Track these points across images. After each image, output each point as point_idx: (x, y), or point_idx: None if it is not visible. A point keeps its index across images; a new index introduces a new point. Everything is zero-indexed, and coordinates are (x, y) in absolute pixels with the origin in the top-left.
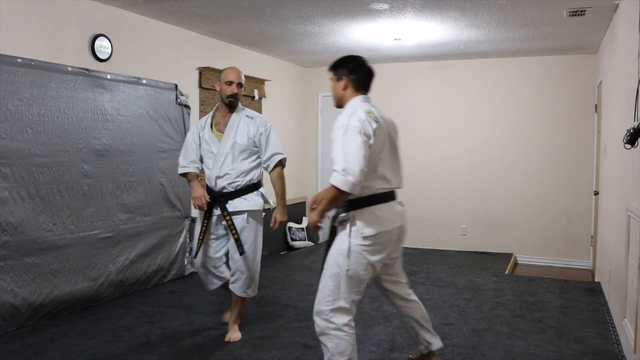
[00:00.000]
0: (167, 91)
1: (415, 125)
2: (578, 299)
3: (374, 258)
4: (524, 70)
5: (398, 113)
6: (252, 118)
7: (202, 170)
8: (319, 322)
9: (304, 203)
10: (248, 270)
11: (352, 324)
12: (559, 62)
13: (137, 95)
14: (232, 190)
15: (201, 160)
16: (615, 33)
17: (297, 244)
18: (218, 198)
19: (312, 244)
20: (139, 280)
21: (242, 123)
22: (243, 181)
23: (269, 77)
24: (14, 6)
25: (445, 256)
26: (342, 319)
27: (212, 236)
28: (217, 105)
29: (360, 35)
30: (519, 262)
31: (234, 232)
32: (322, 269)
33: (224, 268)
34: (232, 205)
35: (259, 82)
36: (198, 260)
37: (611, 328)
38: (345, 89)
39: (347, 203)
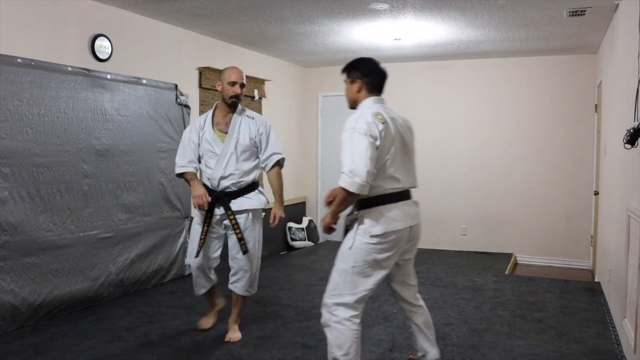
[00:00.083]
0: (167, 91)
1: (415, 125)
2: (578, 299)
3: (381, 256)
4: (524, 70)
5: None
6: (253, 118)
7: (199, 170)
8: (324, 314)
9: (303, 203)
10: (251, 269)
11: (356, 320)
12: (559, 62)
13: (137, 95)
14: (235, 189)
15: (198, 159)
16: (615, 33)
17: (297, 244)
18: (221, 197)
19: (312, 244)
20: (139, 280)
21: (244, 123)
22: (246, 181)
23: (269, 77)
24: (14, 6)
25: (445, 256)
26: (345, 313)
27: (213, 235)
28: (215, 104)
29: (360, 35)
30: (519, 262)
31: (238, 231)
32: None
33: (213, 272)
34: (236, 204)
35: (259, 82)
36: (197, 260)
37: (611, 328)
38: (359, 91)
39: (357, 202)
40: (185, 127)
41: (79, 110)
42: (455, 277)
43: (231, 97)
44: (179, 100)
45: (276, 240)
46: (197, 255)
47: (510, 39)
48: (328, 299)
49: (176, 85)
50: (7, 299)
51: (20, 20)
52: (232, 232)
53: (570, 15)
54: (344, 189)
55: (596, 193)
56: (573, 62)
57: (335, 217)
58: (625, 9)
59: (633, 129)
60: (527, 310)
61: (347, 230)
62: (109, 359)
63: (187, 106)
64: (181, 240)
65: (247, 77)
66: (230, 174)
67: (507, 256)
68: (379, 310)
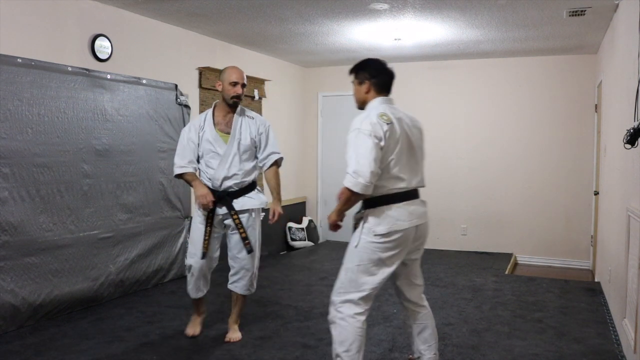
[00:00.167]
0: (167, 91)
1: None
2: (578, 299)
3: (385, 255)
4: (524, 70)
5: None
6: (253, 118)
7: (198, 170)
8: (330, 311)
9: (303, 203)
10: (252, 267)
11: (361, 317)
12: (559, 62)
13: (137, 95)
14: (237, 189)
15: (197, 159)
16: (615, 33)
17: (297, 244)
18: (223, 197)
19: (312, 244)
20: (139, 280)
21: (244, 123)
22: (247, 180)
23: (269, 77)
24: (14, 6)
25: (445, 256)
26: (350, 310)
27: (214, 235)
28: (214, 103)
29: (360, 35)
30: (519, 262)
31: (242, 230)
32: None
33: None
34: (238, 203)
35: (259, 82)
36: (200, 261)
37: (611, 328)
38: (367, 92)
39: (363, 202)
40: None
41: (79, 110)
42: (455, 277)
43: (232, 98)
44: (179, 100)
45: (276, 240)
46: (203, 257)
47: (510, 39)
48: (335, 296)
49: (176, 85)
50: (7, 299)
51: (20, 20)
52: (234, 231)
53: (570, 15)
54: (348, 189)
55: (596, 193)
56: (573, 62)
57: (340, 215)
58: (625, 9)
59: (633, 129)
60: (527, 310)
61: (354, 228)
62: (109, 359)
63: (187, 106)
64: (181, 240)
65: (247, 77)
66: (234, 174)
67: (507, 256)
68: (379, 310)
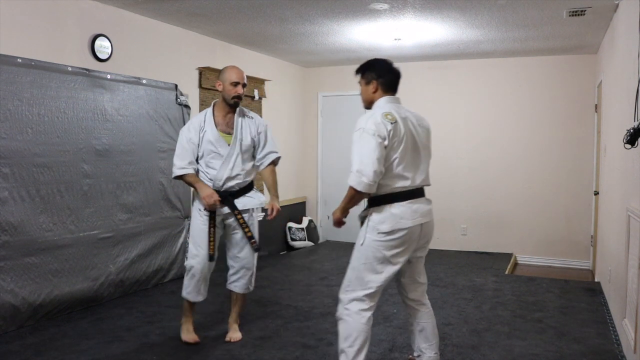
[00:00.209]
0: (167, 91)
1: None
2: (578, 299)
3: (390, 253)
4: (524, 70)
5: None
6: (252, 118)
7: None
8: (338, 308)
9: (303, 203)
10: (253, 266)
11: (366, 314)
12: (559, 62)
13: (137, 95)
14: (238, 189)
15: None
16: (615, 33)
17: (297, 244)
18: (226, 197)
19: (312, 244)
20: (139, 280)
21: (245, 123)
22: (248, 180)
23: (269, 77)
24: (14, 6)
25: (445, 256)
26: (355, 306)
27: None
28: (213, 103)
29: (360, 35)
30: (519, 262)
31: (247, 230)
32: None
33: None
34: (240, 203)
35: (259, 82)
36: (203, 263)
37: (611, 328)
38: (375, 91)
39: (368, 200)
40: None
41: (79, 110)
42: (455, 277)
43: (233, 98)
44: (179, 100)
45: (276, 240)
46: (212, 259)
47: (510, 39)
48: (342, 294)
49: (176, 85)
50: (7, 299)
51: (20, 20)
52: (234, 231)
53: (570, 15)
54: (352, 188)
55: (596, 193)
56: (573, 62)
57: (344, 212)
58: (625, 9)
59: (633, 129)
60: (527, 310)
61: (361, 226)
62: (109, 359)
63: (187, 106)
64: (181, 240)
65: (247, 77)
66: (237, 174)
67: (507, 256)
68: (379, 310)
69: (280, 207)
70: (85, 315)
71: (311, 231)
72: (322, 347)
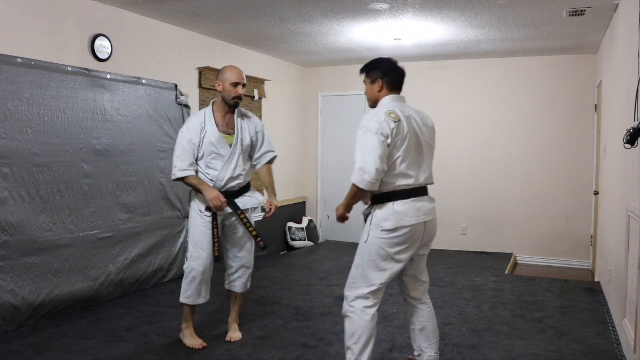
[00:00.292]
0: (167, 91)
1: None
2: (578, 299)
3: (393, 250)
4: (524, 70)
5: None
6: (250, 118)
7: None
8: (344, 305)
9: (303, 203)
10: (252, 265)
11: (370, 311)
12: (559, 62)
13: (137, 95)
14: (238, 189)
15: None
16: (615, 33)
17: (297, 244)
18: (228, 198)
19: (312, 244)
20: (139, 280)
21: (244, 124)
22: (247, 180)
23: (269, 77)
24: (14, 6)
25: (445, 256)
26: (360, 304)
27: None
28: (212, 103)
29: (360, 35)
30: (519, 262)
31: (252, 229)
32: None
33: None
34: (241, 203)
35: (259, 82)
36: (206, 264)
37: (611, 328)
38: (380, 90)
39: (372, 198)
40: None
41: (79, 110)
42: (455, 277)
43: (234, 99)
44: (179, 100)
45: (276, 240)
46: (218, 260)
47: (510, 39)
48: (347, 291)
49: (176, 85)
50: (7, 299)
51: (20, 20)
52: (233, 231)
53: (570, 15)
54: (354, 185)
55: (596, 193)
56: (573, 62)
57: (347, 209)
58: (625, 9)
59: (633, 129)
60: (527, 310)
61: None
62: (109, 359)
63: (187, 106)
64: (181, 240)
65: (247, 77)
66: (239, 175)
67: (507, 256)
68: (379, 310)
69: (281, 207)
70: (85, 315)
71: (311, 231)
72: (322, 347)
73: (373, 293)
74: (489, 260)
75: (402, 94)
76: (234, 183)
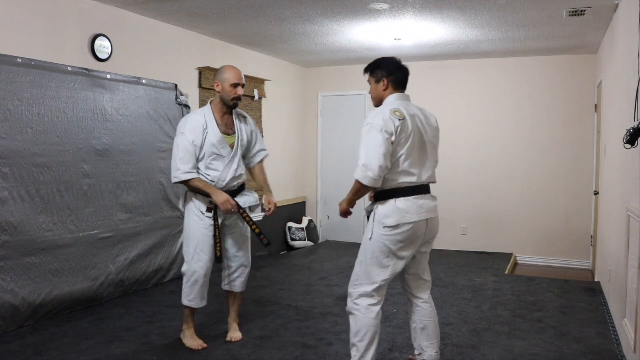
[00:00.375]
0: (167, 91)
1: None
2: (578, 299)
3: (395, 247)
4: (524, 70)
5: None
6: (245, 117)
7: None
8: (348, 302)
9: (303, 203)
10: (250, 264)
11: (375, 308)
12: (559, 62)
13: (137, 95)
14: (236, 188)
15: None
16: (615, 33)
17: (297, 244)
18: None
19: (312, 244)
20: (139, 280)
21: (241, 123)
22: (245, 179)
23: (269, 77)
24: (14, 6)
25: (445, 256)
26: (365, 302)
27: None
28: (209, 102)
29: (360, 35)
30: (519, 262)
31: (255, 227)
32: None
33: None
34: (241, 202)
35: (259, 82)
36: (207, 267)
37: (611, 328)
38: (385, 89)
39: (375, 195)
40: None
41: (79, 110)
42: (455, 277)
43: (233, 100)
44: (179, 100)
45: (276, 240)
46: (220, 261)
47: (510, 39)
48: (351, 288)
49: (176, 85)
50: (7, 299)
51: (20, 20)
52: (232, 231)
53: (570, 15)
54: (357, 181)
55: (596, 193)
56: (573, 62)
57: (350, 204)
58: (625, 9)
59: (633, 129)
60: (527, 310)
61: (368, 220)
62: (109, 359)
63: (187, 106)
64: (181, 240)
65: (247, 77)
66: (240, 174)
67: (507, 256)
68: None
69: (281, 207)
70: (85, 315)
71: (311, 231)
72: (322, 347)
73: (377, 290)
74: (489, 260)
75: None
76: (235, 183)
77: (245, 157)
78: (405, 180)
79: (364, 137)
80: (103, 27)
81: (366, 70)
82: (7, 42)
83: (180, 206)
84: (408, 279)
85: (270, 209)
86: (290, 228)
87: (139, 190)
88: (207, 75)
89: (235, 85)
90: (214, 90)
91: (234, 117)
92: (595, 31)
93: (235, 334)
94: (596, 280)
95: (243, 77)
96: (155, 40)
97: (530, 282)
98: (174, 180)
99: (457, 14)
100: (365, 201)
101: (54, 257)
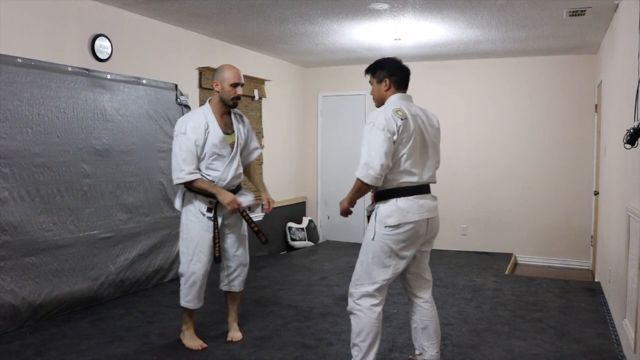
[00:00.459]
0: (167, 91)
1: None
2: (578, 299)
3: (397, 246)
4: (524, 70)
5: None
6: (241, 116)
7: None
8: (349, 302)
9: (303, 203)
10: (248, 262)
11: (377, 308)
12: (559, 62)
13: (137, 95)
14: (235, 187)
15: None
16: (615, 33)
17: (297, 244)
18: None
19: (312, 244)
20: (139, 280)
21: (239, 123)
22: (242, 178)
23: (269, 77)
24: (14, 6)
25: (445, 256)
26: (367, 302)
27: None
28: (208, 102)
29: (360, 35)
30: (519, 262)
31: (253, 225)
32: None
33: None
34: (241, 201)
35: (259, 82)
36: (205, 268)
37: (611, 328)
38: (387, 89)
39: (375, 194)
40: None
41: (79, 110)
42: (455, 277)
43: (233, 99)
44: (179, 100)
45: (276, 240)
46: (219, 261)
47: (510, 39)
48: (352, 288)
49: (176, 85)
50: (7, 299)
51: (20, 20)
52: (230, 231)
53: (570, 15)
54: (359, 179)
55: (596, 193)
56: (573, 62)
57: (351, 203)
58: (625, 9)
59: (633, 129)
60: (527, 310)
61: (368, 220)
62: (109, 359)
63: (187, 106)
64: None
65: (247, 77)
66: (240, 173)
67: (507, 256)
68: None
69: (281, 207)
70: (85, 315)
71: (311, 231)
72: (322, 347)
73: (378, 290)
74: (489, 260)
75: None
76: (235, 182)
77: (240, 155)
78: (407, 179)
79: (366, 136)
80: (103, 27)
81: (367, 71)
82: (7, 42)
83: (177, 206)
84: (409, 278)
85: (269, 206)
86: (290, 228)
87: (139, 190)
88: (207, 75)
89: (235, 85)
90: (213, 90)
91: (232, 116)
92: (595, 31)
93: (235, 334)
94: (596, 280)
95: (242, 76)
96: (155, 40)
97: (530, 282)
98: (177, 181)
99: (457, 14)
100: (365, 201)
101: (54, 257)
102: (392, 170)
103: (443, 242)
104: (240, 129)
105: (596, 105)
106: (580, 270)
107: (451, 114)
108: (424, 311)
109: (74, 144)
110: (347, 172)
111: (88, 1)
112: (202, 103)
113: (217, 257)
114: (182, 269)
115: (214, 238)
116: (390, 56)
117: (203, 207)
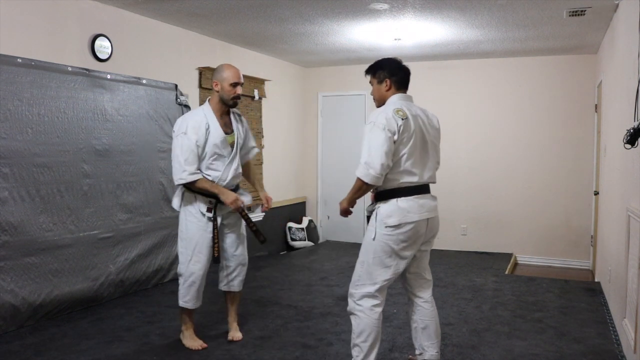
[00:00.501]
0: (167, 91)
1: None
2: (578, 299)
3: (398, 246)
4: (524, 70)
5: None
6: (240, 115)
7: None
8: (349, 302)
9: (303, 203)
10: (247, 262)
11: (377, 309)
12: (559, 62)
13: (137, 95)
14: (234, 187)
15: None
16: (615, 33)
17: (297, 244)
18: None
19: (312, 244)
20: (139, 280)
21: (238, 123)
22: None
23: (269, 77)
24: (14, 6)
25: (445, 256)
26: (367, 303)
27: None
28: (207, 101)
29: (360, 35)
30: (519, 262)
31: (252, 224)
32: None
33: None
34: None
35: (259, 82)
36: (204, 268)
37: (611, 328)
38: (388, 89)
39: (376, 194)
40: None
41: (79, 110)
42: (455, 277)
43: (233, 99)
44: (179, 100)
45: (276, 240)
46: (218, 261)
47: (510, 39)
48: (352, 288)
49: (176, 85)
50: (7, 299)
51: (20, 20)
52: (229, 231)
53: (570, 15)
54: (359, 179)
55: (596, 193)
56: (573, 62)
57: (351, 203)
58: (625, 9)
59: (633, 129)
60: (527, 310)
61: (368, 220)
62: (109, 359)
63: (187, 106)
64: None
65: (247, 77)
66: (239, 173)
67: (507, 256)
68: None
69: (280, 207)
70: (85, 315)
71: (311, 231)
72: (322, 347)
73: (378, 291)
74: (489, 260)
75: None
76: (235, 181)
77: (241, 153)
78: (407, 179)
79: (367, 135)
80: (103, 27)
81: (368, 72)
82: (7, 42)
83: (175, 206)
84: (409, 278)
85: (268, 204)
86: (290, 228)
87: (139, 190)
88: (207, 75)
89: (235, 84)
90: (213, 90)
91: (231, 116)
92: (595, 31)
93: (236, 334)
94: (596, 280)
95: (241, 75)
96: (155, 40)
97: (530, 282)
98: (179, 181)
99: (457, 14)
100: (365, 201)
101: (54, 257)
102: (393, 170)
103: (443, 242)
104: (239, 129)
105: (596, 105)
106: (580, 270)
107: (451, 114)
108: (424, 311)
109: (74, 144)
110: (347, 172)
111: (88, 1)
112: (202, 103)
113: (216, 258)
114: (181, 269)
115: (213, 238)
116: (390, 56)
117: (203, 207)
